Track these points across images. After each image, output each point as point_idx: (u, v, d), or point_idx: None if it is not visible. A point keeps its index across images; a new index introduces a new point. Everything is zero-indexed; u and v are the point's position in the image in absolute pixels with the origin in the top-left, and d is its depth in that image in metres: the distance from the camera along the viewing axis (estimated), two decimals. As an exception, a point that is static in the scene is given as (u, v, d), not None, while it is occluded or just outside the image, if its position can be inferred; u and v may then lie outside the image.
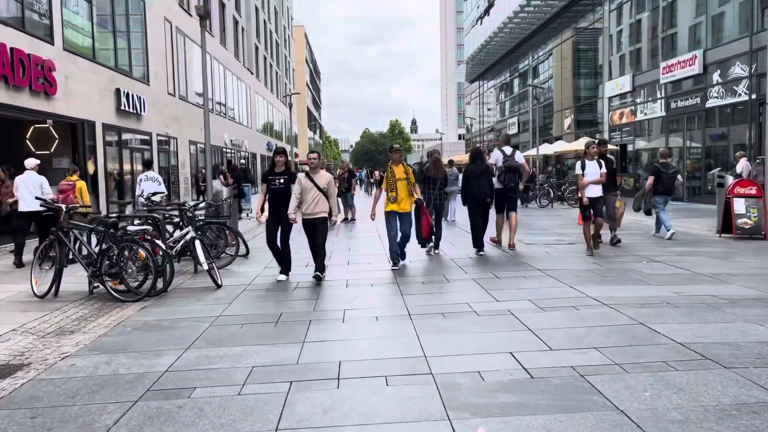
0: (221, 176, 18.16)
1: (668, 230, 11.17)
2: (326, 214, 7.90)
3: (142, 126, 20.12)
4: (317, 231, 7.93)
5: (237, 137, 35.82)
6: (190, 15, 26.53)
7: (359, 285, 7.66)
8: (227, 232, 9.77)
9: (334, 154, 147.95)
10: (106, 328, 5.80)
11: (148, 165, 13.21)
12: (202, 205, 9.50)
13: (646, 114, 23.99)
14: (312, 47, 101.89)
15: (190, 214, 8.68)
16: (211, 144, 30.26)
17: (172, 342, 5.24)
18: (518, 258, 9.32)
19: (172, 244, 7.86)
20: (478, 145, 54.73)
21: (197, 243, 7.64)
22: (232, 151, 34.96)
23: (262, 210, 8.28)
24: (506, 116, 47.34)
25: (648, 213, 12.19)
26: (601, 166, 9.63)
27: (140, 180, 12.48)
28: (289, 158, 42.15)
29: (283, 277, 8.14)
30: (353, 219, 16.67)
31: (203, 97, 11.44)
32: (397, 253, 8.77)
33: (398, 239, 8.92)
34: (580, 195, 9.73)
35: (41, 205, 8.29)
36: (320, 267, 7.94)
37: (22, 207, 9.76)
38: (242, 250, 10.35)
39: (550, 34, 36.93)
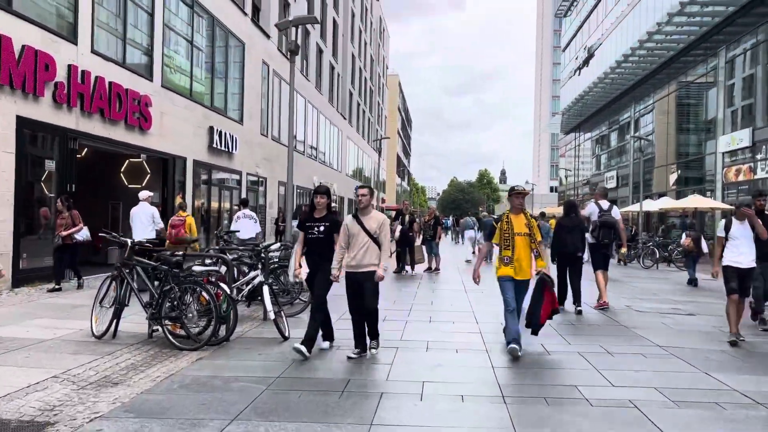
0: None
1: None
2: (376, 268, 6.20)
3: (233, 164, 20.25)
4: (365, 289, 6.21)
5: (326, 180, 35.99)
6: (288, 59, 27.03)
7: (442, 350, 6.64)
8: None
9: (421, 201, 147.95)
10: (152, 382, 5.11)
11: (245, 203, 13.73)
12: (276, 246, 8.85)
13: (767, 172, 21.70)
14: (405, 95, 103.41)
15: (264, 256, 8.03)
16: (300, 186, 30.51)
17: (217, 409, 4.44)
18: (630, 329, 7.97)
19: (239, 288, 7.19)
20: (573, 198, 52.53)
21: (265, 288, 6.93)
22: (320, 193, 35.06)
23: (301, 264, 6.62)
24: (603, 170, 45.14)
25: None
26: (753, 228, 7.38)
27: (237, 217, 12.88)
28: (334, 198, 41.52)
29: (326, 344, 6.67)
30: (437, 269, 15.68)
31: (288, 133, 11.02)
32: (518, 335, 6.32)
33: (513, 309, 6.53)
34: (714, 268, 7.72)
35: (147, 241, 8.54)
36: (372, 333, 6.46)
37: (135, 236, 9.71)
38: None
39: (653, 87, 35.02)
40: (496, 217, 28.59)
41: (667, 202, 26.13)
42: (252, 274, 7.16)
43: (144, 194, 10.95)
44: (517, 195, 6.58)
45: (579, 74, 50.72)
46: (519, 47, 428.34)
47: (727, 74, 25.29)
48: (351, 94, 45.50)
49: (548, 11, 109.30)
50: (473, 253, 21.01)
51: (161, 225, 10.80)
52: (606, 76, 40.52)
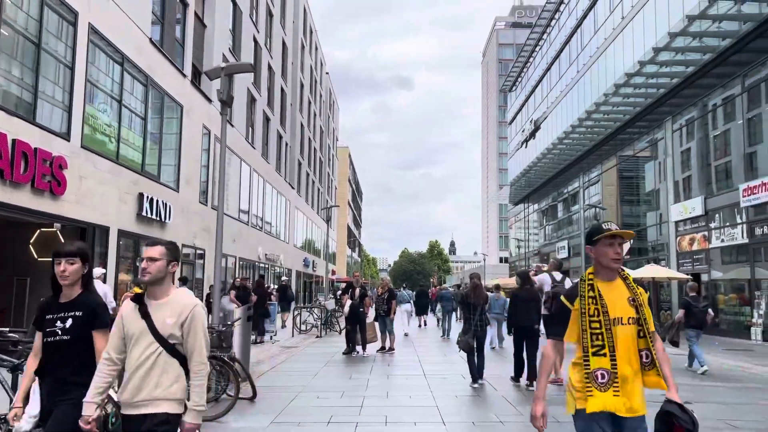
0: (231, 292, 16.01)
1: (701, 365, 11.06)
2: (171, 409, 3.19)
3: (166, 235, 18.48)
4: None
5: (273, 251, 34.26)
6: (232, 125, 25.88)
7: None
8: (227, 368, 7.36)
9: (372, 272, 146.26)
10: None
11: (183, 281, 13.97)
12: None
13: (723, 240, 21.36)
14: (355, 168, 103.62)
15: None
16: (244, 258, 28.71)
17: None
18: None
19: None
20: (525, 268, 52.19)
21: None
22: (266, 265, 33.24)
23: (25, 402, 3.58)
24: (554, 239, 45.00)
25: (674, 344, 12.14)
26: None
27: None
28: (281, 271, 39.76)
29: None
30: (392, 348, 14.10)
31: (219, 194, 9.59)
32: None
33: None
34: None
35: None
36: None
37: None
38: (248, 391, 7.94)
39: (600, 158, 35.39)
40: (452, 287, 27.33)
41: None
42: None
43: (97, 271, 10.40)
44: (613, 239, 3.30)
45: (526, 146, 51.51)
46: (465, 124, 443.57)
47: (677, 143, 25.45)
48: (300, 164, 44.52)
49: (493, 87, 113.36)
50: (408, 324, 19.80)
51: (113, 304, 10.32)
52: (554, 146, 41.00)
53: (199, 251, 21.90)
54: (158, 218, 17.52)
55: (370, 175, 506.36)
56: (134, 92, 16.42)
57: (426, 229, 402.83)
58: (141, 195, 16.41)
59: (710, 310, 12.22)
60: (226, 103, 9.30)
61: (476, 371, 9.17)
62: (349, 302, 13.35)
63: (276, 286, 32.42)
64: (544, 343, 8.83)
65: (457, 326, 21.01)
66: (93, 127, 14.15)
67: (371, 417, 6.93)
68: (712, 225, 22.14)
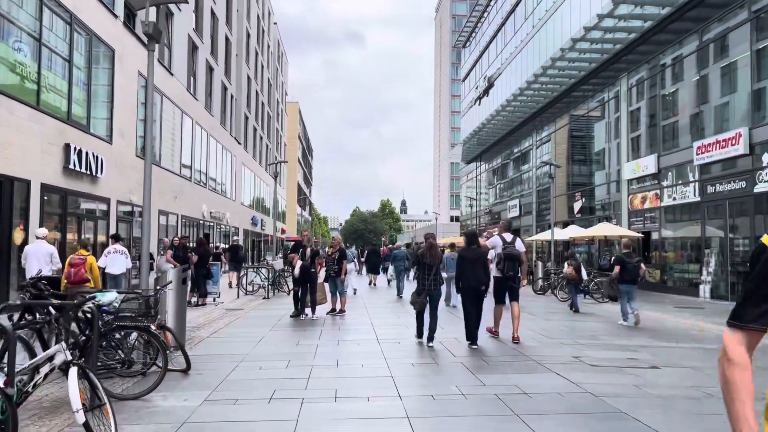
0: (168, 252, 14.93)
1: (624, 320, 12.11)
2: None
3: (98, 190, 17.08)
4: None
5: (218, 209, 32.87)
6: (171, 74, 24.17)
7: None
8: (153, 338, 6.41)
9: (323, 231, 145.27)
10: None
11: (116, 238, 13.18)
12: (111, 296, 6.16)
13: (675, 198, 21.37)
14: (305, 124, 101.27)
15: (91, 311, 5.39)
16: (186, 215, 27.32)
17: None
18: (602, 398, 6.07)
19: (32, 372, 4.53)
20: (473, 227, 52.23)
21: (73, 373, 4.32)
22: (212, 223, 31.90)
23: None
24: (505, 198, 45.00)
25: (612, 299, 13.87)
26: None
27: (107, 252, 12.47)
28: (228, 229, 38.58)
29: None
30: (342, 310, 13.40)
31: (145, 141, 8.47)
32: None
33: None
34: None
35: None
36: None
37: (30, 274, 9.61)
38: (180, 361, 7.08)
39: (552, 116, 35.13)
40: (403, 246, 26.65)
41: (575, 231, 25.49)
42: (52, 349, 4.52)
43: (42, 231, 10.54)
44: None
45: (479, 104, 50.93)
46: (418, 83, 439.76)
47: (631, 101, 25.22)
48: (247, 118, 42.71)
49: (446, 43, 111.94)
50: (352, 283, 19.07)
51: (59, 265, 10.27)
52: (508, 103, 40.49)
53: (137, 208, 20.51)
54: (89, 172, 16.09)
55: (321, 132, 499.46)
56: (56, 30, 14.75)
57: (377, 188, 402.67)
58: (67, 146, 14.95)
59: (642, 266, 12.76)
60: (153, 37, 8.10)
61: (422, 328, 9.32)
62: (299, 263, 12.49)
63: (226, 246, 31.24)
64: (491, 305, 9.11)
65: (410, 286, 20.59)
66: (6, 67, 12.58)
67: (319, 391, 6.18)
68: (665, 183, 22.12)
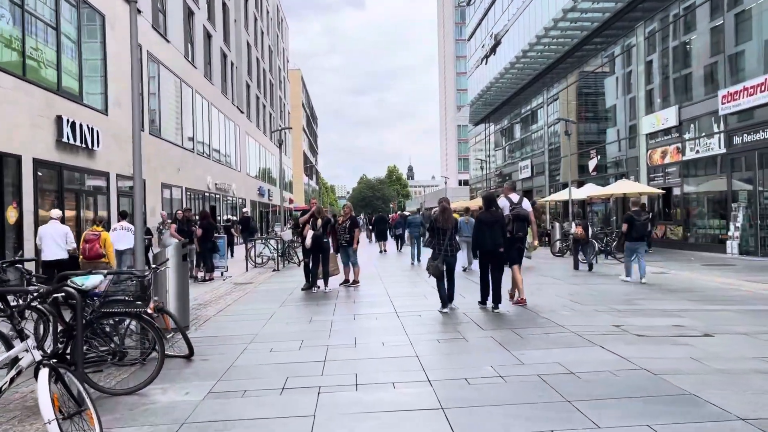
0: (172, 226, 14.26)
1: (627, 276, 12.43)
2: None
3: (96, 164, 16.36)
4: None
5: (223, 181, 32.14)
6: (167, 40, 23.16)
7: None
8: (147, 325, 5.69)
9: (331, 200, 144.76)
10: None
11: (123, 215, 12.83)
12: (96, 279, 5.35)
13: (698, 151, 20.39)
14: (309, 93, 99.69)
15: (74, 297, 4.66)
16: (191, 188, 26.62)
17: None
18: (663, 377, 5.35)
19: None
20: (489, 191, 51.17)
21: (42, 376, 3.59)
22: (218, 195, 31.20)
23: None
24: (516, 159, 43.95)
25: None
26: None
27: (113, 229, 12.25)
28: (234, 201, 37.81)
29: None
30: (356, 281, 12.71)
31: (132, 107, 7.68)
32: None
33: None
34: None
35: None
36: None
37: (48, 256, 9.87)
38: (182, 347, 6.42)
39: (564, 72, 33.86)
40: (417, 212, 26.08)
41: (592, 189, 24.59)
42: (15, 349, 3.78)
43: (56, 213, 10.45)
44: None
45: (486, 63, 49.41)
46: (420, 46, 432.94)
47: (649, 50, 24.01)
48: (248, 86, 41.63)
49: (449, 2, 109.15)
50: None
51: (74, 245, 10.28)
52: (517, 60, 38.99)
53: (138, 182, 19.79)
54: (84, 145, 15.35)
55: (323, 100, 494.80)
56: (39, -5, 13.82)
57: (383, 155, 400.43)
58: (59, 118, 14.17)
59: (649, 224, 13.08)
60: (132, -12, 7.20)
61: (446, 296, 9.02)
62: (310, 233, 11.74)
63: (235, 218, 30.64)
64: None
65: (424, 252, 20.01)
66: (-14, 35, 11.73)
67: (337, 377, 5.49)
68: (687, 136, 21.11)
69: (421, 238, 18.58)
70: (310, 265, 12.09)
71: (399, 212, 30.34)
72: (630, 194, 22.53)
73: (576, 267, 15.29)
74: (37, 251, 10.55)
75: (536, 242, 10.60)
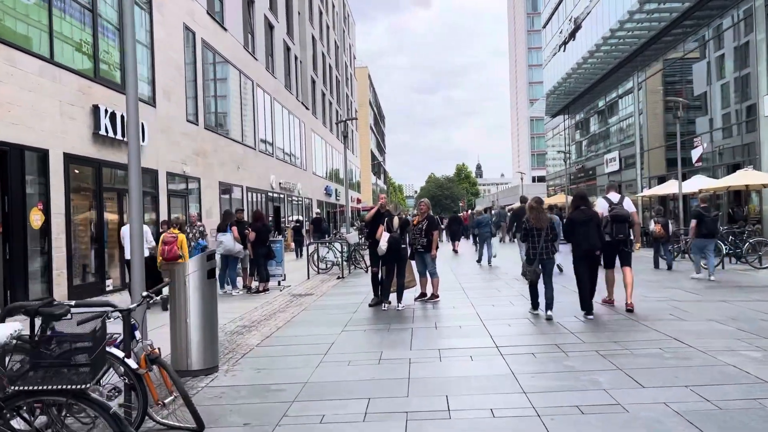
0: (233, 228, 12.35)
1: (710, 274, 11.81)
2: None
3: (143, 161, 14.68)
4: None
5: (288, 180, 30.50)
6: (225, 29, 21.55)
7: None
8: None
9: (398, 199, 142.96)
10: None
11: (173, 223, 11.85)
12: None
13: None
14: (376, 91, 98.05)
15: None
16: (252, 187, 25.02)
17: None
18: None
19: None
20: (580, 188, 47.47)
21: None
22: (282, 195, 29.58)
23: None
24: (601, 151, 40.31)
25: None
26: None
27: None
28: (300, 201, 35.86)
29: None
30: (435, 295, 10.33)
31: (126, 70, 5.65)
32: None
33: None
34: None
35: None
36: None
37: (127, 255, 9.95)
38: (187, 417, 4.24)
39: (660, 52, 30.25)
40: (493, 211, 23.86)
41: (702, 182, 21.16)
42: None
43: None
44: None
45: (564, 50, 45.85)
46: (487, 40, 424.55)
47: (771, 18, 20.40)
48: (314, 82, 40.02)
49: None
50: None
51: (153, 243, 10.72)
52: (597, 48, 35.44)
53: (191, 181, 18.18)
54: (126, 139, 13.68)
55: (390, 100, 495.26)
56: (71, -31, 12.21)
57: (451, 153, 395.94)
58: (95, 108, 12.54)
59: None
60: None
61: (537, 299, 8.48)
62: (385, 235, 9.43)
63: (301, 219, 28.98)
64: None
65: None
66: (7, 13, 10.12)
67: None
68: (829, 115, 17.51)
69: (490, 239, 17.24)
70: (381, 275, 9.82)
71: (469, 211, 28.26)
72: (753, 186, 19.12)
73: (656, 266, 14.61)
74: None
75: (638, 245, 9.39)
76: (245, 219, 13.28)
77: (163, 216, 15.25)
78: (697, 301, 9.27)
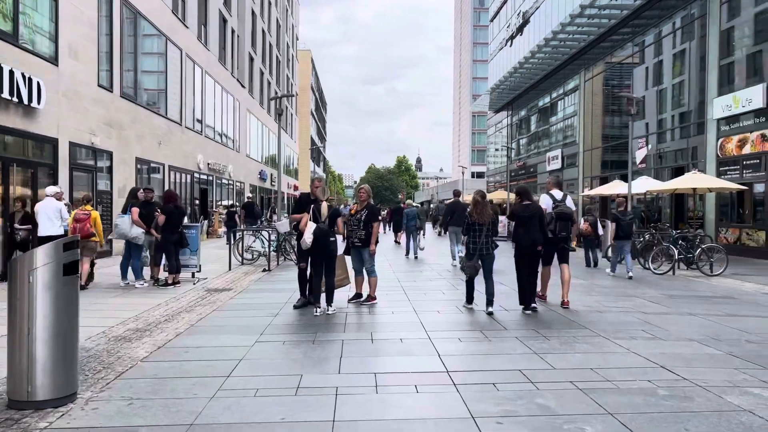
0: (134, 210, 10.61)
1: (612, 272, 13.16)
2: None
3: (37, 127, 12.63)
4: None
5: (218, 161, 28.40)
6: (149, -13, 19.33)
7: None
8: None
9: (338, 188, 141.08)
10: None
11: (86, 200, 10.82)
12: None
13: (795, 140, 16.49)
14: (318, 75, 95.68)
15: None
16: (176, 166, 22.91)
17: None
18: None
19: None
20: (522, 184, 47.12)
21: None
22: (211, 177, 27.49)
23: None
24: (544, 148, 40.02)
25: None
26: None
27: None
28: (231, 185, 33.98)
29: None
30: (372, 297, 8.93)
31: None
32: None
33: None
34: None
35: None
36: None
37: (41, 232, 9.90)
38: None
39: (607, 50, 29.94)
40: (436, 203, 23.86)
41: (650, 183, 20.66)
42: None
43: (51, 189, 10.32)
44: None
45: (511, 45, 45.39)
46: (434, 35, 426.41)
47: (721, 18, 20.04)
48: (252, 60, 37.80)
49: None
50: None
51: (68, 220, 10.26)
52: (546, 43, 34.96)
53: (101, 155, 16.08)
54: (18, 100, 11.61)
55: (334, 89, 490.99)
56: None
57: (392, 146, 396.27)
58: (-26, 58, 10.42)
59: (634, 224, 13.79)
60: None
61: (472, 294, 8.40)
62: (311, 226, 7.95)
63: (232, 203, 26.98)
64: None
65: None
66: None
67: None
68: (778, 121, 17.20)
69: (418, 232, 17.51)
70: (309, 273, 8.33)
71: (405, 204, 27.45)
72: (701, 190, 18.68)
73: (588, 264, 15.20)
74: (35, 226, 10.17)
75: (573, 243, 9.55)
76: (154, 199, 11.42)
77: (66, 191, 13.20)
78: (664, 313, 8.27)
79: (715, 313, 8.26)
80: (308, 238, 7.80)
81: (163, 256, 10.91)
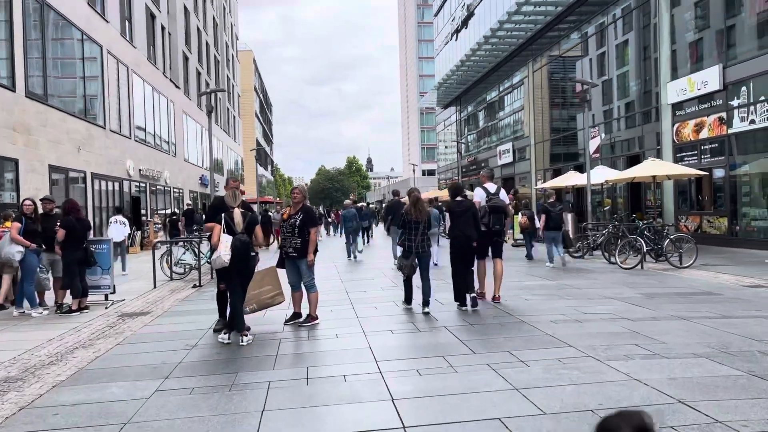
0: (14, 225, 8.94)
1: (550, 261, 13.44)
2: None
3: None
4: None
5: (151, 167, 26.38)
6: (57, -25, 17.35)
7: None
8: None
9: (287, 192, 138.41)
10: None
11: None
12: None
13: (754, 122, 15.90)
14: (262, 76, 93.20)
15: None
16: (100, 173, 20.85)
17: None
18: None
19: None
20: (455, 179, 46.39)
21: None
22: (144, 184, 25.47)
23: None
24: (494, 143, 39.30)
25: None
26: None
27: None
28: (167, 189, 32.08)
29: None
30: (312, 317, 7.50)
31: None
32: None
33: None
34: None
35: None
36: None
37: None
38: None
39: (553, 42, 29.32)
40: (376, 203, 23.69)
41: (607, 173, 19.90)
42: None
43: None
44: None
45: (456, 39, 44.55)
46: (379, 34, 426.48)
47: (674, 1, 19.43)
48: (187, 59, 35.70)
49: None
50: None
51: None
52: (493, 33, 34.12)
53: (4, 163, 14.14)
54: None
55: (279, 91, 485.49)
56: None
57: (341, 147, 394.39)
58: None
59: (565, 214, 14.34)
60: None
61: (411, 294, 8.21)
62: (226, 239, 6.48)
63: (170, 211, 25.06)
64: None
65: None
66: None
67: None
68: (734, 103, 16.59)
69: (356, 234, 17.36)
70: (229, 294, 6.86)
71: (363, 204, 26.11)
72: (660, 177, 17.98)
73: (529, 257, 15.29)
74: None
75: (507, 237, 9.37)
76: (54, 212, 9.70)
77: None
78: (652, 318, 7.16)
79: (707, 315, 7.21)
80: (224, 254, 6.31)
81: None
